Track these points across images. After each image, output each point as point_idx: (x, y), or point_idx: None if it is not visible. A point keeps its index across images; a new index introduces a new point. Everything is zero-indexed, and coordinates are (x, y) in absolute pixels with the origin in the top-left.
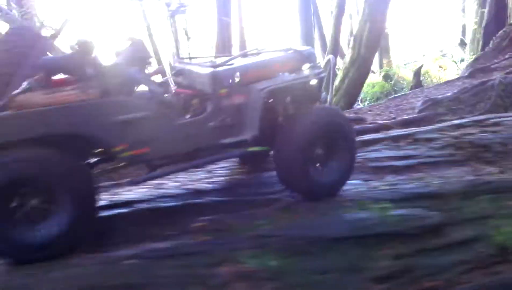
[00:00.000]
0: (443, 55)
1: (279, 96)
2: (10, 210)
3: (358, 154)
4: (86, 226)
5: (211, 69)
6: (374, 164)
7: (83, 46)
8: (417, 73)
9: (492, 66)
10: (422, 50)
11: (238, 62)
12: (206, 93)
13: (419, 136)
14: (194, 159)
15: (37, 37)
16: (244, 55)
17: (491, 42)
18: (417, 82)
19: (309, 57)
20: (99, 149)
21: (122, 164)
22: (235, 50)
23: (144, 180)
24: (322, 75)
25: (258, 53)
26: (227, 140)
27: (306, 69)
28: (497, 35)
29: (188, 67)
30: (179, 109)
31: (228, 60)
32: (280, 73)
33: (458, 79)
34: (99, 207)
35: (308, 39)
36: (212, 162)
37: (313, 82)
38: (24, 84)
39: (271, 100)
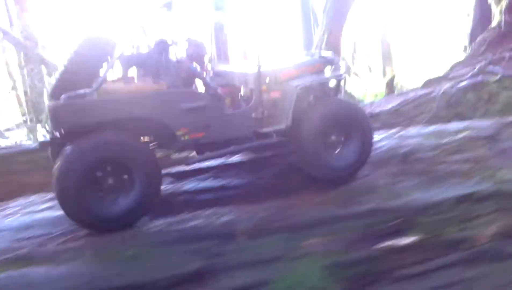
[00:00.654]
0: None
1: (307, 93)
2: (94, 186)
3: (170, 186)
4: (153, 200)
5: (256, 69)
6: (183, 197)
7: (158, 45)
8: (390, 83)
9: (450, 76)
10: (428, 58)
11: (276, 64)
12: (250, 89)
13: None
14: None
15: (110, 43)
16: (280, 58)
17: (470, 48)
18: (390, 92)
19: (331, 61)
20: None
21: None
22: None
23: (198, 161)
24: (342, 76)
25: (290, 57)
26: (266, 129)
27: (328, 71)
28: (476, 41)
29: (226, 69)
30: (227, 102)
31: (267, 61)
32: (309, 74)
33: (413, 89)
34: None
35: (309, 44)
36: (252, 148)
37: (333, 81)
38: (106, 75)
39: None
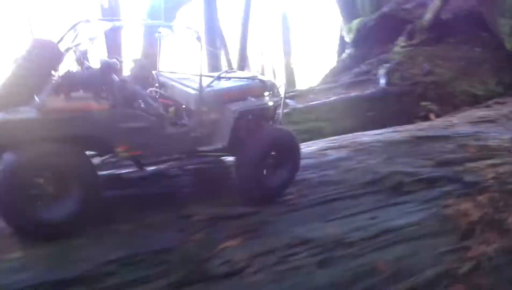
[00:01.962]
0: None
1: (244, 115)
2: (33, 195)
3: None
4: (92, 207)
5: (196, 92)
6: None
7: (105, 66)
8: None
9: None
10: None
11: (216, 85)
12: (189, 108)
13: None
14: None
15: (57, 50)
16: (219, 78)
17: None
18: None
19: (270, 87)
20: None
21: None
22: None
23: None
24: (279, 102)
25: (229, 78)
26: (203, 148)
27: (266, 95)
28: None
29: (171, 82)
30: (172, 111)
31: (209, 83)
32: (249, 97)
33: None
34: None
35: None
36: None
37: (271, 106)
38: (47, 92)
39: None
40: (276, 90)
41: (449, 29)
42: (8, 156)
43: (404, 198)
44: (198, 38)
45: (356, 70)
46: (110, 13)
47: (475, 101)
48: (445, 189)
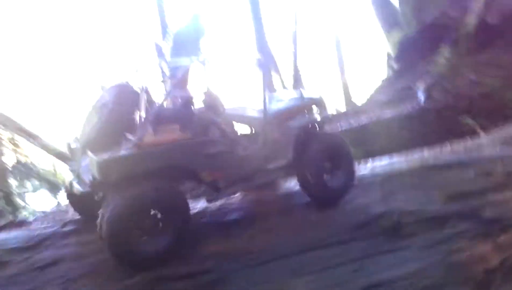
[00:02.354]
0: None
1: (302, 131)
2: (139, 229)
3: None
4: (184, 237)
5: (261, 115)
6: None
7: (185, 101)
8: None
9: None
10: None
11: (275, 106)
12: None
13: None
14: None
15: (135, 92)
16: (278, 100)
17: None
18: None
19: (318, 101)
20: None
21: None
22: None
23: (218, 198)
24: (329, 116)
25: (284, 98)
26: (270, 165)
27: (316, 110)
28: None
29: (234, 111)
30: (239, 144)
31: (265, 106)
32: (301, 114)
33: None
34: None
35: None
36: (262, 184)
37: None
38: (141, 129)
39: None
40: (323, 104)
41: (497, 33)
42: (116, 196)
43: (401, 243)
44: (261, 65)
45: (398, 86)
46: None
47: None
48: (456, 229)
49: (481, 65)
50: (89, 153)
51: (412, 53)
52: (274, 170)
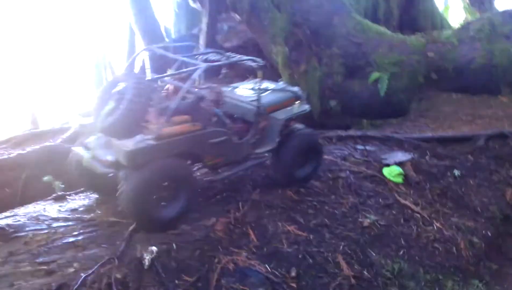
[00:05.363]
0: None
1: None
2: (156, 198)
3: None
4: (193, 204)
5: (254, 107)
6: None
7: (197, 96)
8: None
9: None
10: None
11: (266, 98)
12: (249, 120)
13: None
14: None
15: (151, 84)
16: (264, 91)
17: None
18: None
19: (299, 95)
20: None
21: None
22: None
23: (220, 179)
24: (308, 109)
25: (268, 90)
26: (259, 150)
27: (297, 103)
28: None
29: (232, 101)
30: (235, 133)
31: (260, 98)
32: (286, 107)
33: None
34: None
35: None
36: (250, 168)
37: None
38: (159, 120)
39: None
40: (303, 98)
41: None
42: (134, 173)
43: None
44: (260, 67)
45: None
46: None
47: None
48: None
49: None
50: (115, 141)
51: None
52: (260, 155)
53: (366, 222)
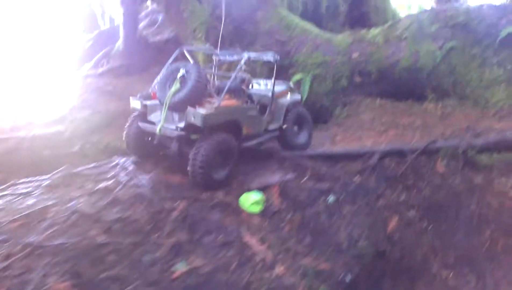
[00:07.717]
0: None
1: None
2: (217, 163)
3: None
4: (234, 172)
5: (270, 94)
6: None
7: (240, 80)
8: None
9: None
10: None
11: (275, 88)
12: (265, 103)
13: None
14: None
15: (206, 73)
16: (272, 84)
17: None
18: None
19: (292, 88)
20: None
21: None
22: None
23: (249, 146)
24: (299, 97)
25: (274, 83)
26: (271, 126)
27: (291, 93)
28: None
29: (251, 90)
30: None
31: (273, 87)
32: (285, 95)
33: None
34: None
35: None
36: (268, 140)
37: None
38: (218, 97)
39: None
40: (295, 90)
41: None
42: (203, 144)
43: None
44: (277, 61)
45: None
46: None
47: None
48: None
49: None
50: (191, 109)
51: None
52: (272, 131)
53: (178, 272)
